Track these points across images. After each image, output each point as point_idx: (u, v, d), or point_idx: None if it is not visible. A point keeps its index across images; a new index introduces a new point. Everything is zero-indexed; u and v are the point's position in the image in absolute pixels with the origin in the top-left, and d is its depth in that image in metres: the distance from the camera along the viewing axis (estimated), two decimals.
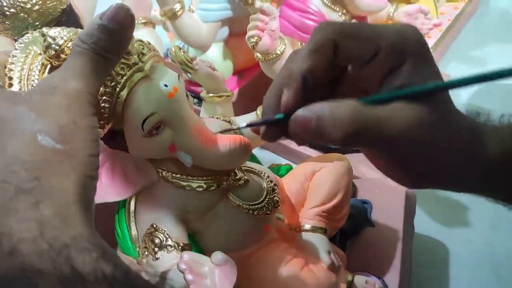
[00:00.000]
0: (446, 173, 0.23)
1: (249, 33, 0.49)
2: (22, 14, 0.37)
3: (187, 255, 0.26)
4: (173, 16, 0.55)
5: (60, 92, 0.20)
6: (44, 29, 0.26)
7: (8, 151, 0.18)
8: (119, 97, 0.26)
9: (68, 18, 0.41)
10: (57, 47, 0.25)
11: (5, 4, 0.36)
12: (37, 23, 0.39)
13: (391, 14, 0.61)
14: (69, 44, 0.25)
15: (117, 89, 0.25)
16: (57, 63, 0.26)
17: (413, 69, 0.22)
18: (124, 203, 0.31)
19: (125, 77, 0.26)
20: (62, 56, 0.25)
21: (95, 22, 0.22)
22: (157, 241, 0.29)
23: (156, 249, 0.29)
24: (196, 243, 0.33)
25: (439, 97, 0.22)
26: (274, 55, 0.50)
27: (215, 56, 0.65)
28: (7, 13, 0.37)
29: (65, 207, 0.18)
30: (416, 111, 0.21)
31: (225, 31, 0.64)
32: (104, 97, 0.25)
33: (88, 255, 0.17)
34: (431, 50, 0.56)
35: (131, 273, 0.18)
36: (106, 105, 0.25)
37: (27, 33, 0.28)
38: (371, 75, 0.23)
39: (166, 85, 0.27)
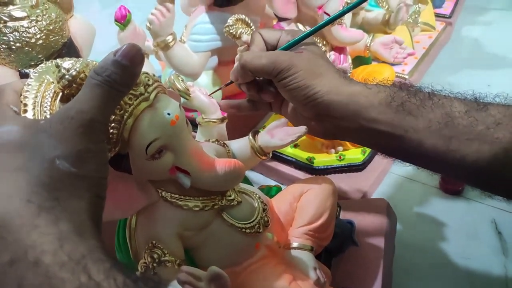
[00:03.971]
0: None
1: (236, 65, 0.52)
2: (27, 48, 0.40)
3: (186, 268, 0.28)
4: (165, 47, 0.59)
5: (77, 122, 0.22)
6: (58, 61, 0.28)
7: (31, 173, 0.21)
8: (126, 124, 0.28)
9: (69, 50, 0.44)
10: (70, 78, 0.27)
11: (11, 39, 0.39)
12: (40, 56, 0.41)
13: (368, 44, 0.66)
14: (81, 76, 0.28)
15: (125, 116, 0.28)
16: (68, 91, 0.28)
17: None
18: (124, 221, 0.33)
19: (132, 106, 0.28)
20: (74, 85, 0.27)
21: (109, 58, 0.24)
22: (155, 256, 0.31)
23: (155, 264, 0.31)
24: (191, 258, 0.35)
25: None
26: None
27: (205, 83, 0.68)
28: (13, 47, 0.39)
29: (81, 224, 0.20)
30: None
31: (214, 60, 0.68)
32: (113, 124, 0.28)
33: (102, 265, 0.19)
34: (407, 77, 0.65)
35: (140, 281, 0.20)
36: (114, 131, 0.28)
37: (39, 63, 0.30)
38: None
39: (169, 114, 0.29)
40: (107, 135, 0.27)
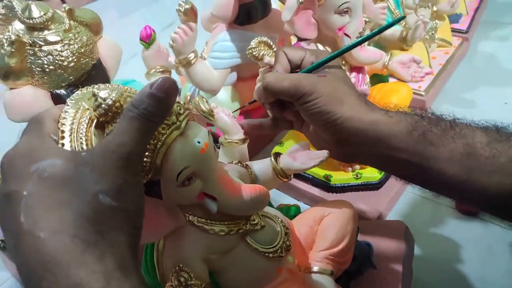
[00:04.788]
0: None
1: (258, 85, 0.53)
2: (59, 71, 0.41)
3: None
4: (187, 64, 0.60)
5: (117, 156, 0.24)
6: (95, 90, 0.29)
7: (75, 208, 0.22)
8: (159, 152, 0.29)
9: (97, 71, 0.45)
10: (106, 107, 0.28)
11: (45, 62, 0.40)
12: (71, 78, 0.43)
13: (386, 63, 0.66)
14: (117, 105, 0.29)
15: (158, 145, 0.29)
16: (104, 119, 0.29)
17: None
18: (152, 244, 0.35)
19: (165, 135, 0.29)
20: (110, 114, 0.28)
21: (146, 90, 0.25)
22: (182, 279, 0.32)
23: (181, 287, 0.32)
24: (215, 281, 0.36)
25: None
26: None
27: (224, 98, 0.69)
28: (47, 69, 0.41)
29: (123, 259, 0.22)
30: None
31: (233, 76, 0.69)
32: (147, 153, 0.29)
33: None
34: (423, 93, 0.65)
35: None
36: (148, 159, 0.29)
37: (77, 90, 0.31)
38: None
39: (199, 142, 0.31)
40: (142, 164, 0.28)
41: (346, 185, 0.61)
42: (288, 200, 0.66)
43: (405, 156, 0.36)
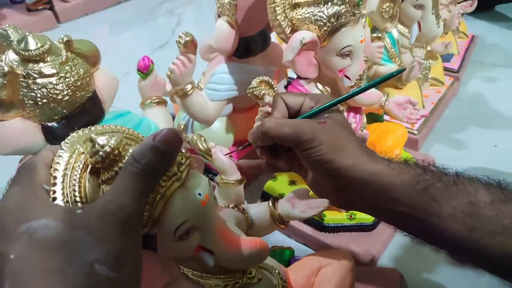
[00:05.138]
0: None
1: (257, 123, 0.52)
2: (52, 104, 0.39)
3: None
4: (184, 95, 0.59)
5: (117, 218, 0.22)
6: (93, 135, 0.27)
7: (67, 278, 0.20)
8: (157, 205, 0.28)
9: (93, 104, 0.44)
10: (104, 155, 0.26)
11: (38, 95, 0.38)
12: (65, 111, 0.41)
13: (383, 103, 0.67)
14: (115, 152, 0.27)
15: (157, 198, 0.27)
16: (100, 165, 0.28)
17: None
18: None
19: (165, 188, 0.28)
20: (107, 161, 0.27)
21: (148, 143, 0.24)
22: None
23: None
24: None
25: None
26: None
27: (218, 129, 0.68)
28: (39, 103, 0.39)
29: None
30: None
31: (229, 107, 0.68)
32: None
33: None
34: (416, 133, 0.64)
35: None
36: (146, 213, 0.27)
37: (72, 133, 0.29)
38: None
39: (200, 194, 0.29)
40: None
41: (339, 225, 0.60)
42: (279, 236, 0.65)
43: (406, 210, 0.35)
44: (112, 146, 0.27)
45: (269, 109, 0.52)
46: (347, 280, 0.38)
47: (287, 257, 0.48)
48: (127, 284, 0.21)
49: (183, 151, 0.31)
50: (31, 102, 0.39)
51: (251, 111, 0.71)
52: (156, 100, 0.56)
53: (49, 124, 0.41)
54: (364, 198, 0.37)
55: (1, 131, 0.39)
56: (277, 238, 0.64)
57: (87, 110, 0.43)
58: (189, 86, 0.59)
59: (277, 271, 0.37)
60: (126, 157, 0.27)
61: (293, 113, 0.41)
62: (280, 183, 0.66)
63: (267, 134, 0.38)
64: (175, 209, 0.28)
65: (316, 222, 0.61)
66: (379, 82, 0.41)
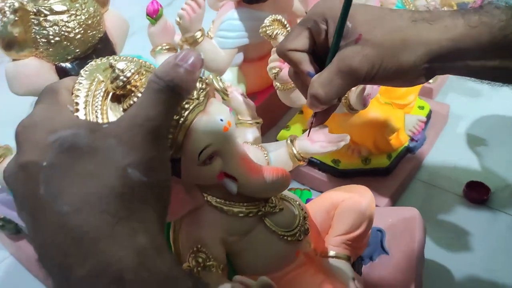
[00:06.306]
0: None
1: (271, 65, 0.51)
2: (65, 42, 0.39)
3: (239, 278, 0.28)
4: (194, 43, 0.58)
5: (145, 129, 0.22)
6: (112, 61, 0.27)
7: (102, 181, 0.20)
8: (181, 129, 0.28)
9: (104, 45, 0.43)
10: (125, 79, 0.26)
11: (51, 33, 0.38)
12: (77, 50, 0.40)
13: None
14: (135, 77, 0.27)
15: (180, 121, 0.27)
16: (121, 92, 0.27)
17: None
18: (168, 224, 0.33)
19: (187, 111, 0.27)
20: (128, 87, 0.27)
21: (170, 62, 0.24)
22: (200, 260, 0.31)
23: (199, 268, 0.31)
24: (230, 263, 0.35)
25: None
26: (292, 85, 0.53)
27: (229, 80, 0.67)
28: (52, 41, 0.38)
29: (155, 237, 0.20)
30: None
31: (240, 57, 0.67)
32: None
33: (185, 283, 0.18)
34: (431, 81, 0.55)
35: None
36: (170, 136, 0.27)
37: (91, 61, 0.29)
38: None
39: (222, 119, 0.29)
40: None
41: (354, 170, 0.60)
42: (293, 185, 0.65)
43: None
44: (132, 71, 0.27)
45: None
46: (367, 212, 0.38)
47: (305, 198, 0.48)
48: (160, 190, 0.22)
49: (203, 78, 0.30)
50: (43, 40, 0.38)
51: (262, 61, 0.69)
52: (167, 47, 0.54)
53: (63, 64, 0.40)
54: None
55: (16, 70, 0.38)
56: (291, 185, 0.64)
57: (99, 52, 0.42)
58: (199, 33, 0.58)
59: (298, 202, 0.37)
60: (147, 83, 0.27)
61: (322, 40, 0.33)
62: (293, 132, 0.65)
63: (326, 101, 0.31)
64: (198, 133, 0.28)
65: (331, 168, 0.61)
66: None
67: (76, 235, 0.18)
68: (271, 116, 0.71)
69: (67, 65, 0.40)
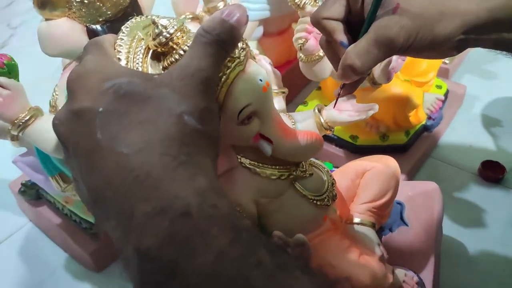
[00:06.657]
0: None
1: (297, 35, 0.51)
2: (98, 3, 0.39)
3: (277, 233, 0.28)
4: None
5: (197, 79, 0.22)
6: (155, 18, 0.27)
7: (160, 127, 0.20)
8: (222, 86, 0.28)
9: (134, 9, 0.43)
10: (168, 35, 0.26)
11: None
12: (109, 12, 0.40)
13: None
14: (178, 34, 0.27)
15: (222, 79, 0.27)
16: (163, 49, 0.27)
17: None
18: None
19: (229, 69, 0.28)
20: (170, 43, 0.27)
21: (217, 17, 0.24)
22: None
23: None
24: (261, 225, 0.35)
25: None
26: (316, 57, 0.53)
27: None
28: (85, 1, 0.38)
29: (213, 181, 0.20)
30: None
31: (260, 30, 0.66)
32: None
33: (244, 220, 0.19)
34: (447, 62, 0.54)
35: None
36: None
37: (131, 18, 0.29)
38: None
39: (261, 80, 0.29)
40: None
41: (372, 146, 0.60)
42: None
43: None
44: (175, 27, 0.27)
45: (308, 20, 0.50)
46: (392, 181, 0.39)
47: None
48: (213, 139, 0.22)
49: (244, 38, 0.30)
50: (77, 0, 0.38)
51: (281, 35, 0.69)
52: (190, 16, 0.54)
53: (94, 27, 0.40)
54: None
55: (48, 30, 0.38)
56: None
57: (129, 15, 0.41)
58: (221, 4, 0.57)
59: (326, 169, 0.37)
60: (188, 43, 0.27)
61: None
62: (310, 108, 0.65)
63: (361, 71, 0.31)
64: (238, 92, 0.28)
65: (348, 144, 0.61)
66: None
67: (138, 173, 0.19)
68: (291, 90, 0.71)
69: (98, 27, 0.40)
